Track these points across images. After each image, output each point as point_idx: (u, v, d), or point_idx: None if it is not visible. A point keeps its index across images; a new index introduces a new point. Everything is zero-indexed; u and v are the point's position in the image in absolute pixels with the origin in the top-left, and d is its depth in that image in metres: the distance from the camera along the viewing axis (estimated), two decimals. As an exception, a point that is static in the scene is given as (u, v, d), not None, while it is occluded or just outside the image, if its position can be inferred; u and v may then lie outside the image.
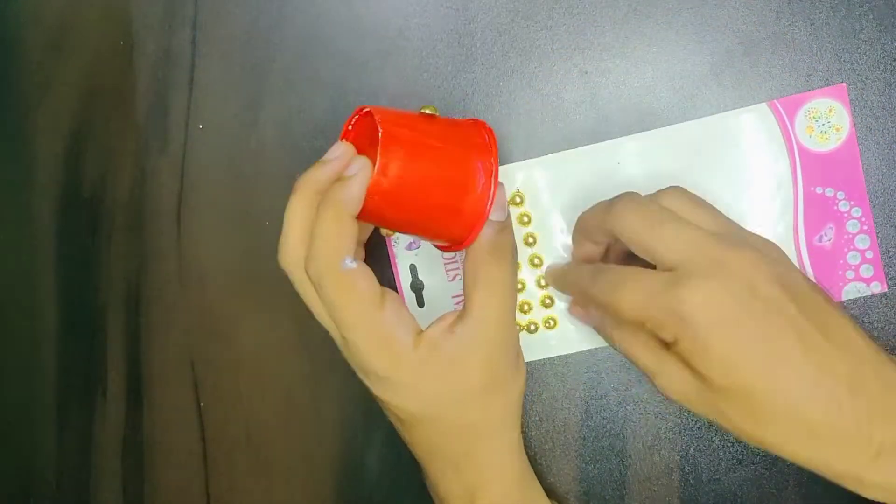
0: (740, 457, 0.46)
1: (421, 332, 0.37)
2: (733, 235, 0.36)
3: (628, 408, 0.47)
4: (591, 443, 0.47)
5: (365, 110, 0.37)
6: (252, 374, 0.50)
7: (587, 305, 0.42)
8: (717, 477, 0.46)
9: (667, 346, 0.35)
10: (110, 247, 0.51)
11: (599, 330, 0.42)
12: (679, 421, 0.47)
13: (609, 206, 0.38)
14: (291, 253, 0.37)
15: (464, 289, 0.38)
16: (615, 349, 0.40)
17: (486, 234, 0.37)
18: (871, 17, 0.44)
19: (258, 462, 0.50)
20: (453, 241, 0.39)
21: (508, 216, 0.39)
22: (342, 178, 0.35)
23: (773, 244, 0.37)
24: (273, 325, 0.50)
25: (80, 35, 0.50)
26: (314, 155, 0.48)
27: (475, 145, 0.37)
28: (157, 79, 0.50)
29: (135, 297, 0.51)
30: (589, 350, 0.47)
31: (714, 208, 0.38)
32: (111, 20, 0.50)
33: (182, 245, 0.50)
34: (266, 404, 0.50)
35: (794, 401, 0.32)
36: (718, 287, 0.32)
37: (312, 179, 0.37)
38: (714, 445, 0.46)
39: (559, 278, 0.44)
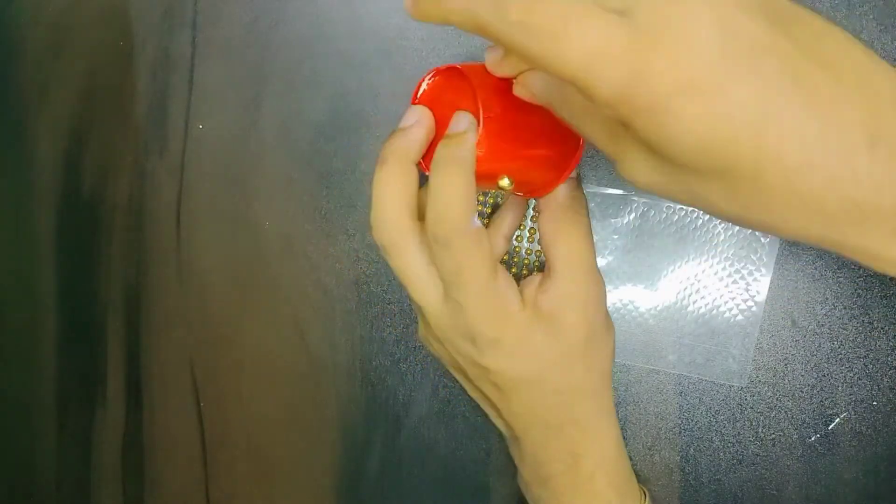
0: (740, 457, 0.46)
1: (520, 287, 0.37)
2: None
3: (628, 408, 0.47)
4: (591, 443, 0.47)
5: (440, 70, 0.36)
6: (252, 374, 0.50)
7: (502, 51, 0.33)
8: (718, 477, 0.46)
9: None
10: (110, 248, 0.51)
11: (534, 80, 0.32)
12: (679, 421, 0.47)
13: None
14: (394, 223, 0.35)
15: (543, 248, 0.38)
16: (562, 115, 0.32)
17: (562, 190, 0.37)
18: (871, 17, 0.44)
19: (258, 463, 0.50)
20: (547, 180, 0.38)
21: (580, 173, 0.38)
22: (450, 135, 0.34)
23: None
24: (273, 326, 0.50)
25: (80, 36, 0.50)
26: (314, 156, 0.49)
27: None
28: (156, 80, 0.50)
29: (135, 298, 0.51)
30: (589, 350, 0.47)
31: None
32: (111, 21, 0.50)
33: (182, 245, 0.50)
34: (266, 405, 0.50)
35: (795, 169, 0.24)
36: (688, 38, 0.24)
37: (401, 148, 0.35)
38: (714, 445, 0.46)
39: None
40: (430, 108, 0.36)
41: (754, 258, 0.45)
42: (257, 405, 0.50)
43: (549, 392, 0.38)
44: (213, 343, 0.50)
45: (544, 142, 0.36)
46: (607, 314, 0.40)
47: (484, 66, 0.35)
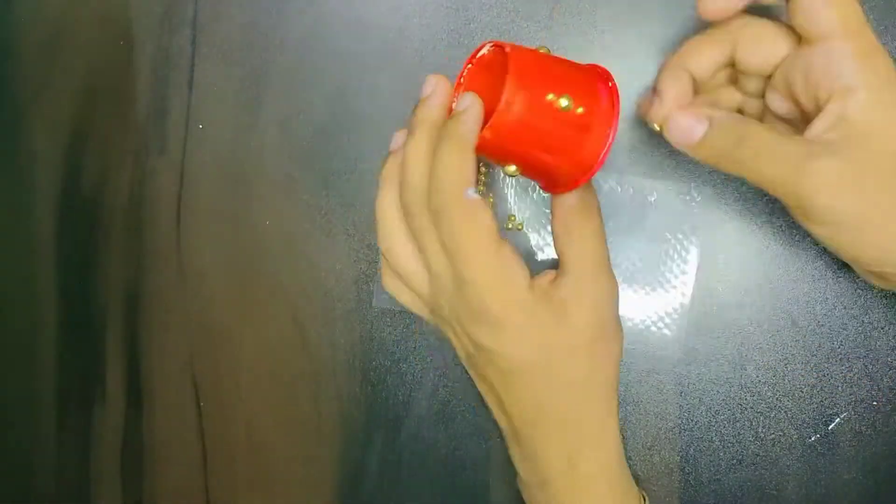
0: (740, 457, 0.46)
1: (532, 277, 0.37)
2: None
3: (628, 408, 0.47)
4: (591, 443, 0.47)
5: (489, 45, 0.37)
6: (252, 374, 0.50)
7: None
8: (717, 477, 0.46)
9: None
10: (110, 247, 0.51)
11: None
12: (679, 421, 0.47)
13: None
14: (419, 188, 0.36)
15: (556, 246, 0.38)
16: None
17: (574, 193, 0.37)
18: (871, 17, 0.43)
19: (258, 462, 0.50)
20: (558, 183, 0.38)
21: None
22: (456, 113, 0.36)
23: None
24: (273, 326, 0.50)
25: (80, 35, 0.50)
26: (314, 155, 0.49)
27: (597, 95, 0.37)
28: (156, 79, 0.50)
29: (134, 298, 0.51)
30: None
31: None
32: (111, 20, 0.50)
33: (181, 245, 0.50)
34: (266, 405, 0.50)
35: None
36: (842, 164, 0.35)
37: (428, 117, 0.37)
38: (714, 445, 0.46)
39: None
40: (481, 74, 0.37)
41: (684, 227, 0.46)
42: (257, 404, 0.50)
43: (555, 382, 0.38)
44: (213, 343, 0.50)
45: (560, 151, 0.36)
46: (618, 318, 0.40)
47: (534, 56, 0.36)
